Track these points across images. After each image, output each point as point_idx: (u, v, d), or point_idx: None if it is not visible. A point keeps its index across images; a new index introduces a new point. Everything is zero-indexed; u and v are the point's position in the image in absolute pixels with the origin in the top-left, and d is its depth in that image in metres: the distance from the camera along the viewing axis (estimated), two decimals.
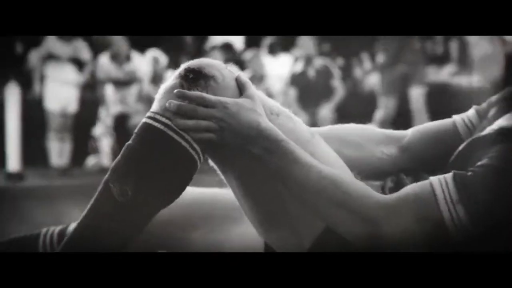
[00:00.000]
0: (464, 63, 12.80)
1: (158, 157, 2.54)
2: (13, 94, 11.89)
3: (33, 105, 12.38)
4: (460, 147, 2.70)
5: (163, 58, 13.34)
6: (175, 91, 2.51)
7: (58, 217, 6.44)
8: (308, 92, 12.01)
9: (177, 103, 2.49)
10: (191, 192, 3.08)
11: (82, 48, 12.50)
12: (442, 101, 11.57)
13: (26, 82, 12.86)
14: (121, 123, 12.31)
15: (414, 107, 11.26)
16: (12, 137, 11.76)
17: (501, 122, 2.62)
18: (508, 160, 2.48)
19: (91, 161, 12.56)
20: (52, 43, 12.38)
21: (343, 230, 2.55)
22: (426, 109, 11.40)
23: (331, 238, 2.63)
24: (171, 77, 2.61)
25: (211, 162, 2.68)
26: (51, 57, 12.31)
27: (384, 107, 11.18)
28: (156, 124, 2.51)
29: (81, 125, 12.53)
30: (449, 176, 2.44)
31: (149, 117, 2.54)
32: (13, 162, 11.57)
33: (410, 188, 2.51)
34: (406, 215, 2.46)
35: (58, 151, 12.43)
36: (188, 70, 2.59)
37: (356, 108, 12.34)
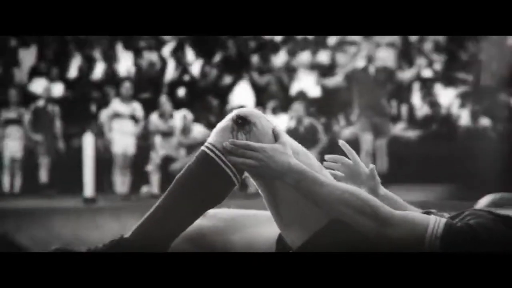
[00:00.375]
0: (412, 121, 13.71)
1: (209, 179, 2.74)
2: (89, 141, 12.76)
3: (103, 148, 13.48)
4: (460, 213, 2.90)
5: (190, 116, 13.49)
6: (230, 140, 2.69)
7: (122, 229, 6.54)
8: (300, 141, 13.20)
9: (231, 146, 2.67)
10: (232, 211, 3.17)
11: (137, 108, 13.31)
12: (399, 149, 12.61)
13: (99, 132, 13.66)
14: (166, 163, 13.07)
15: (377, 153, 12.12)
16: (88, 172, 12.54)
17: (500, 211, 2.83)
18: (487, 229, 2.71)
19: (144, 189, 13.25)
20: (116, 104, 13.30)
21: (359, 227, 2.73)
22: (386, 153, 12.12)
23: (327, 233, 2.80)
24: (226, 118, 2.81)
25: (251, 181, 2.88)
26: (116, 115, 13.28)
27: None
28: (211, 154, 2.71)
29: (137, 163, 13.38)
30: (443, 220, 2.72)
31: (207, 147, 2.75)
32: (88, 189, 12.38)
33: (415, 214, 2.81)
34: (404, 228, 2.69)
35: (121, 182, 13.23)
36: (238, 117, 2.75)
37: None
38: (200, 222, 2.98)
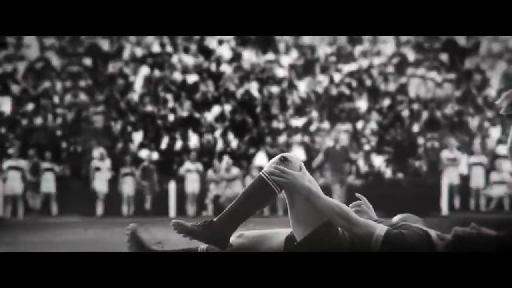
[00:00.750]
0: (358, 175, 16.49)
1: (263, 190, 3.48)
2: (172, 186, 15.35)
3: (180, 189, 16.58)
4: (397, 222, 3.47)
5: (230, 161, 16.49)
6: (274, 166, 3.44)
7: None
8: None
9: (276, 170, 3.42)
10: (253, 232, 3.77)
11: (199, 167, 16.20)
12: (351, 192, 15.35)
13: (178, 180, 16.17)
14: (216, 198, 16.21)
15: (336, 196, 14.85)
16: (172, 203, 15.22)
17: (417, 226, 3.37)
18: (412, 237, 3.27)
19: (203, 213, 15.53)
20: (188, 164, 16.08)
21: (338, 225, 3.39)
22: (345, 196, 14.72)
23: (322, 230, 3.46)
24: (275, 158, 3.58)
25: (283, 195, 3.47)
26: (187, 170, 16.29)
27: None
28: (264, 177, 3.50)
29: (200, 198, 16.06)
30: (385, 227, 3.35)
31: (263, 173, 3.51)
32: (172, 211, 14.90)
33: (370, 221, 3.44)
34: (363, 228, 3.35)
35: (191, 209, 16.02)
36: (282, 156, 3.56)
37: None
38: (235, 240, 3.67)
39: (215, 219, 3.61)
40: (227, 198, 16.43)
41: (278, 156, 3.62)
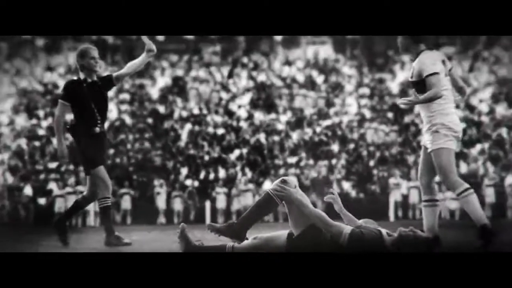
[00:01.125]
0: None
1: (268, 201, 3.53)
2: (208, 205, 16.37)
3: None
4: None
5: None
6: (281, 191, 3.43)
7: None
8: None
9: (279, 187, 3.35)
10: (262, 235, 3.73)
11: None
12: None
13: (213, 201, 17.16)
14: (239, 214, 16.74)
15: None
16: (208, 215, 16.10)
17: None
18: (370, 235, 3.27)
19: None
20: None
21: (320, 226, 3.40)
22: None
23: (311, 228, 3.53)
24: (277, 180, 3.61)
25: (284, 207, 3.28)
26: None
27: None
28: (271, 193, 3.57)
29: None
30: (351, 228, 3.38)
31: (270, 190, 3.55)
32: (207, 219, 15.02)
33: (343, 225, 3.43)
34: (337, 229, 3.39)
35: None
36: (283, 179, 3.62)
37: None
38: (249, 242, 3.67)
39: (235, 222, 3.80)
40: (244, 207, 17.18)
41: (280, 178, 3.80)
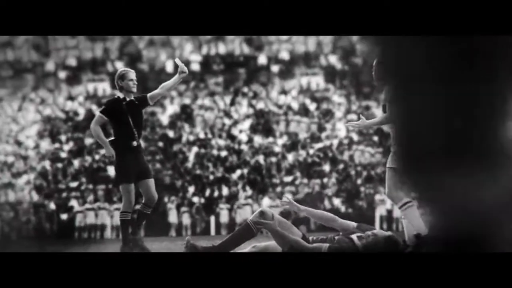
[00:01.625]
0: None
1: (246, 231, 3.66)
2: (225, 212, 17.38)
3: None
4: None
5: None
6: (259, 224, 3.53)
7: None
8: None
9: (261, 223, 3.57)
10: (261, 244, 3.89)
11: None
12: None
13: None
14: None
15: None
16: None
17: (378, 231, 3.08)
18: (374, 243, 3.25)
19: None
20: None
21: (296, 250, 3.48)
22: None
23: (290, 248, 3.58)
24: (256, 212, 3.74)
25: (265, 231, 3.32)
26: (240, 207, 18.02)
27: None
28: (249, 223, 3.74)
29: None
30: (327, 246, 3.40)
31: (248, 221, 3.72)
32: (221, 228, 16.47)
33: (318, 245, 3.48)
34: (311, 249, 3.43)
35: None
36: (261, 210, 3.78)
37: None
38: (247, 250, 3.76)
39: (216, 245, 3.96)
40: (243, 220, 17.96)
41: (258, 210, 3.96)
